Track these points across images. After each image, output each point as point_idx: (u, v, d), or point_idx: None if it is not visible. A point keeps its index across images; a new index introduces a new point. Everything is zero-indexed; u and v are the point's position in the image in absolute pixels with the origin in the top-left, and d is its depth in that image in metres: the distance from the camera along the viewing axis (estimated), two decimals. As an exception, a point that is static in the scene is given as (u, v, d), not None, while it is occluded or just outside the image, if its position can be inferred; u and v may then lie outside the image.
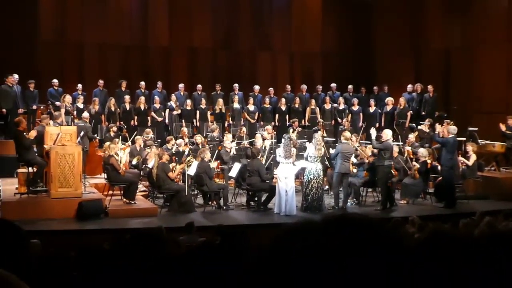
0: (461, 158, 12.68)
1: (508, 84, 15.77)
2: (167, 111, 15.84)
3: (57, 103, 14.98)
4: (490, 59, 16.15)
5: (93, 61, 17.78)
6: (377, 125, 15.96)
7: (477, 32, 16.54)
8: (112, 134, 13.72)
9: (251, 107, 16.38)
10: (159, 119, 15.64)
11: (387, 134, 11.64)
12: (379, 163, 11.38)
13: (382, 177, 11.41)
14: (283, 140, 11.31)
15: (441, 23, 17.72)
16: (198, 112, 16.13)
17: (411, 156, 12.49)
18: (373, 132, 11.91)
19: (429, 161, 12.52)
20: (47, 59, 17.17)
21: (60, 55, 17.50)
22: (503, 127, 13.73)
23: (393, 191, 12.15)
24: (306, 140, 13.11)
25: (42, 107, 15.43)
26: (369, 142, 12.45)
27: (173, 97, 16.08)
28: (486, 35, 16.27)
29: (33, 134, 10.98)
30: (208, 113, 16.30)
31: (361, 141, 13.03)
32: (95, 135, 13.35)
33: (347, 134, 11.81)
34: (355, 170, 12.30)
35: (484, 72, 16.28)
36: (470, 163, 12.63)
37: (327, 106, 16.67)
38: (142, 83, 16.51)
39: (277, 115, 16.60)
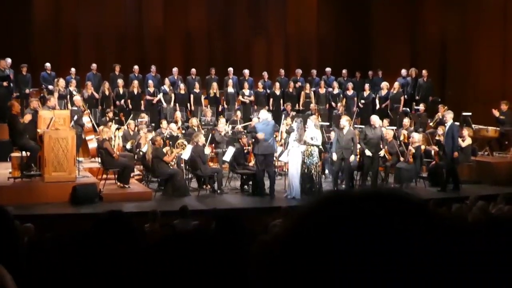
0: None
1: (504, 72, 15.78)
2: (160, 95, 15.79)
3: (50, 86, 14.91)
4: (486, 47, 16.12)
5: (88, 46, 17.64)
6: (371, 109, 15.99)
7: (473, 20, 16.49)
8: (107, 119, 13.71)
9: (246, 92, 16.34)
10: (155, 99, 15.57)
11: (377, 120, 11.70)
12: (377, 150, 11.48)
13: (378, 162, 11.62)
14: (295, 123, 11.29)
15: (438, 10, 17.67)
16: (192, 96, 16.07)
17: (406, 141, 12.53)
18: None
19: (423, 146, 12.57)
20: (41, 44, 17.03)
21: (54, 40, 17.35)
22: (496, 113, 13.76)
23: (387, 175, 12.24)
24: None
25: (35, 91, 15.32)
26: (363, 126, 12.50)
27: (167, 81, 16.02)
28: (482, 23, 16.22)
29: (27, 118, 10.91)
30: (202, 97, 16.25)
31: (355, 126, 13.03)
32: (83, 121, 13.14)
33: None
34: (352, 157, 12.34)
35: (480, 60, 16.25)
36: (464, 144, 12.68)
37: (322, 90, 16.64)
38: (136, 67, 16.43)
39: (271, 100, 16.57)
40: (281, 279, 0.75)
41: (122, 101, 15.36)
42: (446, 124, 11.98)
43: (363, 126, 13.17)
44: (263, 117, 11.31)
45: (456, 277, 0.72)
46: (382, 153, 11.94)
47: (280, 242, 0.79)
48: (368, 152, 11.47)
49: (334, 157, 11.46)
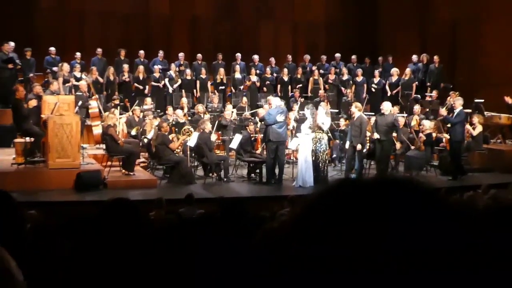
0: (467, 127, 12.50)
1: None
2: (166, 80, 15.59)
3: (55, 68, 14.75)
4: (497, 31, 15.80)
5: (93, 30, 17.42)
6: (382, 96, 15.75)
7: (484, 3, 16.17)
8: (112, 105, 13.55)
9: (254, 78, 16.12)
10: (161, 84, 15.35)
11: (388, 106, 11.52)
12: (386, 137, 11.26)
13: (389, 149, 11.41)
14: (308, 110, 11.08)
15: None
16: (198, 82, 15.87)
17: (417, 128, 12.31)
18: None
19: (434, 134, 12.35)
20: (46, 27, 16.82)
21: (59, 23, 17.13)
22: (508, 100, 13.51)
23: (397, 164, 12.05)
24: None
25: (36, 76, 15.13)
26: (373, 114, 12.30)
27: (173, 66, 15.81)
28: (494, 7, 15.90)
29: (32, 103, 10.76)
30: (209, 83, 16.03)
31: (365, 113, 12.80)
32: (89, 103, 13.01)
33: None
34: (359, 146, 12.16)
35: (491, 44, 15.93)
36: (475, 133, 12.49)
37: (331, 76, 16.39)
38: (141, 51, 16.22)
39: (279, 86, 16.37)
40: (286, 264, 0.74)
41: (124, 77, 15.10)
42: (454, 111, 11.75)
43: (373, 113, 12.96)
44: (276, 104, 11.11)
45: (466, 263, 0.70)
46: (398, 145, 11.80)
47: (287, 228, 0.78)
48: (376, 135, 11.28)
49: (347, 144, 11.32)
